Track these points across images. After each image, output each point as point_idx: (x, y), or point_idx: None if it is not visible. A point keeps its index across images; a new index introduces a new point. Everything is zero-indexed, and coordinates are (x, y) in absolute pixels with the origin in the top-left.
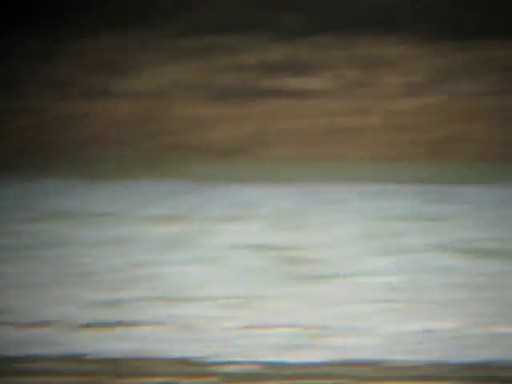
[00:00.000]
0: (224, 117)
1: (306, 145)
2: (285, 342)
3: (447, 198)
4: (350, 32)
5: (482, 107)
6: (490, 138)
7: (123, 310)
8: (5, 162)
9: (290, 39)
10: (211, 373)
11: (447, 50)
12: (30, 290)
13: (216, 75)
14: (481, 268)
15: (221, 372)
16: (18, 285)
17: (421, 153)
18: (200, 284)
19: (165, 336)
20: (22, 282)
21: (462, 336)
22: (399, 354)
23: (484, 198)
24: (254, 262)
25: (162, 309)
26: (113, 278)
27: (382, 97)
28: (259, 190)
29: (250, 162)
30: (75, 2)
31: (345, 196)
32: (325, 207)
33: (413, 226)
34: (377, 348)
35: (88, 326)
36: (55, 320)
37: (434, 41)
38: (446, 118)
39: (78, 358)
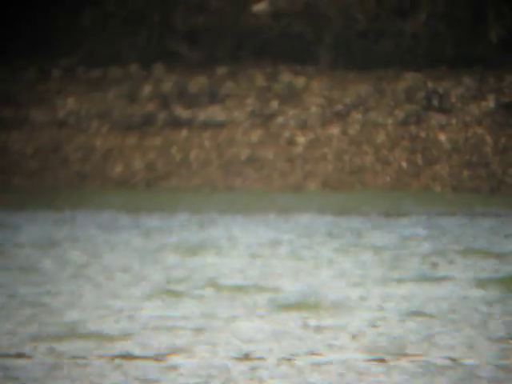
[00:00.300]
0: (125, 147)
1: (205, 176)
2: None
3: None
4: (250, 63)
5: (392, 138)
6: (399, 168)
7: None
8: None
9: (188, 70)
10: None
11: (354, 80)
12: None
13: (116, 106)
14: None
15: None
16: None
17: (333, 183)
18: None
19: None
20: None
21: None
22: None
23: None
24: None
25: None
26: None
27: (288, 127)
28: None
29: (153, 193)
30: None
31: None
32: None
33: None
34: None
35: None
36: None
37: (340, 71)
38: (356, 148)
39: None
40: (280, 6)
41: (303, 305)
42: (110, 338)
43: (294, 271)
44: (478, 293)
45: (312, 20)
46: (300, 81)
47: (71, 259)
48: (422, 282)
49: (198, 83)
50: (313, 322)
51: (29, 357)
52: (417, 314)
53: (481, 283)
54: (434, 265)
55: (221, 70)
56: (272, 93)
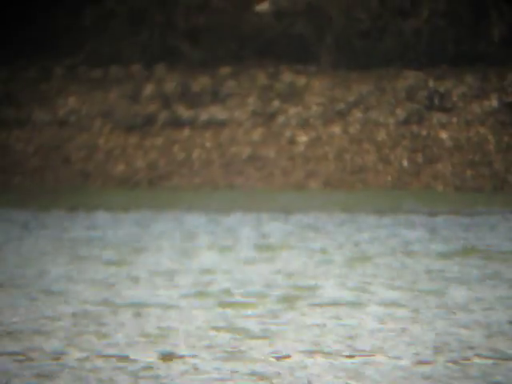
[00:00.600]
0: (127, 147)
1: (207, 175)
2: None
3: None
4: (252, 62)
5: (393, 137)
6: (400, 167)
7: None
8: None
9: (190, 69)
10: None
11: (356, 79)
12: None
13: (118, 105)
14: None
15: None
16: None
17: (331, 182)
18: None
19: None
20: None
21: None
22: None
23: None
24: None
25: None
26: None
27: (290, 126)
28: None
29: (153, 192)
30: None
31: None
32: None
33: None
34: None
35: None
36: None
37: (341, 70)
38: (357, 147)
39: None
40: (282, 5)
41: (311, 302)
42: (153, 336)
43: (303, 269)
44: (487, 292)
45: (314, 20)
46: (301, 80)
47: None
48: (428, 283)
49: (199, 83)
50: (332, 320)
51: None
52: (431, 313)
53: (488, 283)
54: (439, 265)
55: (223, 70)
56: (274, 92)
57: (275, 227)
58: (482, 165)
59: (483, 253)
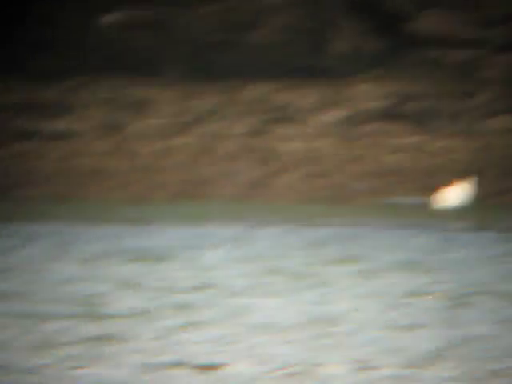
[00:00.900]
0: None
1: (50, 187)
2: None
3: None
4: (99, 74)
5: (238, 148)
6: (243, 179)
7: None
8: None
9: (34, 81)
10: None
11: (200, 92)
12: None
13: None
14: None
15: None
16: None
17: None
18: None
19: None
20: None
21: None
22: None
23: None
24: None
25: None
26: None
27: (134, 138)
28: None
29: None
30: None
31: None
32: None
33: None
34: None
35: None
36: None
37: (186, 82)
38: (202, 158)
39: None
40: (128, 17)
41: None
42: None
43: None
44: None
45: (160, 32)
46: (146, 93)
47: None
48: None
49: (44, 95)
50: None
51: None
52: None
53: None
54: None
55: (67, 82)
56: (118, 104)
57: (117, 239)
58: (324, 177)
59: (317, 263)
